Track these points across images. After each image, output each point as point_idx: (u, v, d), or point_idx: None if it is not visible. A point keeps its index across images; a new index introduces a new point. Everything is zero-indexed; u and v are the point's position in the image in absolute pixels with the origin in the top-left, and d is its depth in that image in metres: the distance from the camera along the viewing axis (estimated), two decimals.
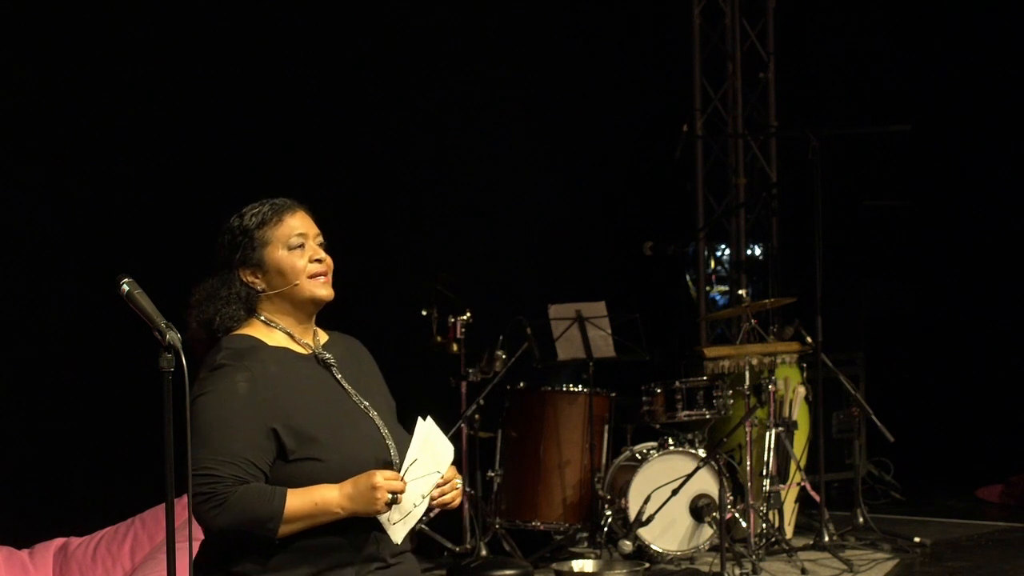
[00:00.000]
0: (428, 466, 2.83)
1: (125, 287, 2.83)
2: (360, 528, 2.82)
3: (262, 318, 3.00)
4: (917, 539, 6.72)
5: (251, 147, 6.61)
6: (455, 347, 6.60)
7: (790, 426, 6.91)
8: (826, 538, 6.62)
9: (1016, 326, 9.08)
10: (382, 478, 2.74)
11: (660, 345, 7.88)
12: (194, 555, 2.91)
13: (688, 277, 9.28)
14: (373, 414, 2.98)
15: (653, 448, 6.69)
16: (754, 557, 6.33)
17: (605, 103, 8.64)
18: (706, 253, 9.34)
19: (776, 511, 6.80)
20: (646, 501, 6.38)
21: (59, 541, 5.25)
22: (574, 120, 8.43)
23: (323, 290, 3.01)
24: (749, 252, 9.34)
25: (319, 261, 3.01)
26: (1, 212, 5.81)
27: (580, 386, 6.86)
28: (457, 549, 6.59)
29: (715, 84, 9.16)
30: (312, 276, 2.99)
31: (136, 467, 4.75)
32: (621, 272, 8.40)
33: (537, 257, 8.09)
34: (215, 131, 6.45)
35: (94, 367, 5.88)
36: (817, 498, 6.75)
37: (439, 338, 6.64)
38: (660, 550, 6.49)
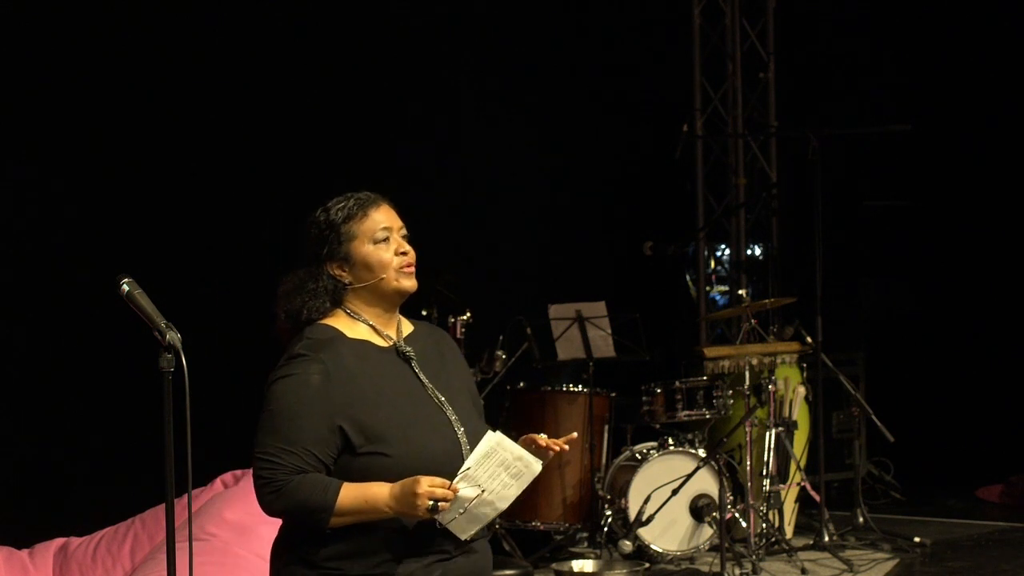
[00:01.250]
0: (495, 476, 2.84)
1: (125, 287, 2.84)
2: (431, 520, 2.85)
3: (347, 310, 3.04)
4: (917, 539, 6.73)
5: (251, 148, 6.62)
6: None
7: (790, 426, 6.91)
8: (826, 538, 6.62)
9: (1016, 326, 9.08)
10: (426, 485, 2.77)
11: (660, 345, 7.88)
12: (273, 541, 2.99)
13: (688, 277, 9.28)
14: (448, 409, 3.00)
15: (653, 448, 6.70)
16: (754, 557, 6.34)
17: (605, 103, 8.64)
18: (706, 253, 9.34)
19: (776, 511, 6.80)
20: (646, 501, 6.38)
21: (59, 541, 5.25)
22: (574, 120, 8.43)
23: (408, 282, 3.05)
24: (749, 252, 9.35)
25: (404, 254, 3.05)
26: (1, 211, 5.81)
27: (580, 386, 6.86)
28: None
29: (715, 84, 9.16)
30: (397, 269, 3.03)
31: (136, 467, 4.75)
32: (621, 272, 8.40)
33: (537, 257, 8.09)
34: (215, 132, 6.45)
35: (94, 367, 5.88)
36: (817, 498, 6.75)
37: None
38: (660, 550, 6.49)
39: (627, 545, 6.47)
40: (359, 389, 2.91)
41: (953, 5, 9.24)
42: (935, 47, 9.38)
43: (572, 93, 8.40)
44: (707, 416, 6.84)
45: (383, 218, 3.06)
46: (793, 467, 6.89)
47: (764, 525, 6.67)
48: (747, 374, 6.89)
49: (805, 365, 7.15)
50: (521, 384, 6.93)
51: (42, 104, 5.92)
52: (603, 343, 6.92)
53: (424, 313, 6.66)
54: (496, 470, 2.83)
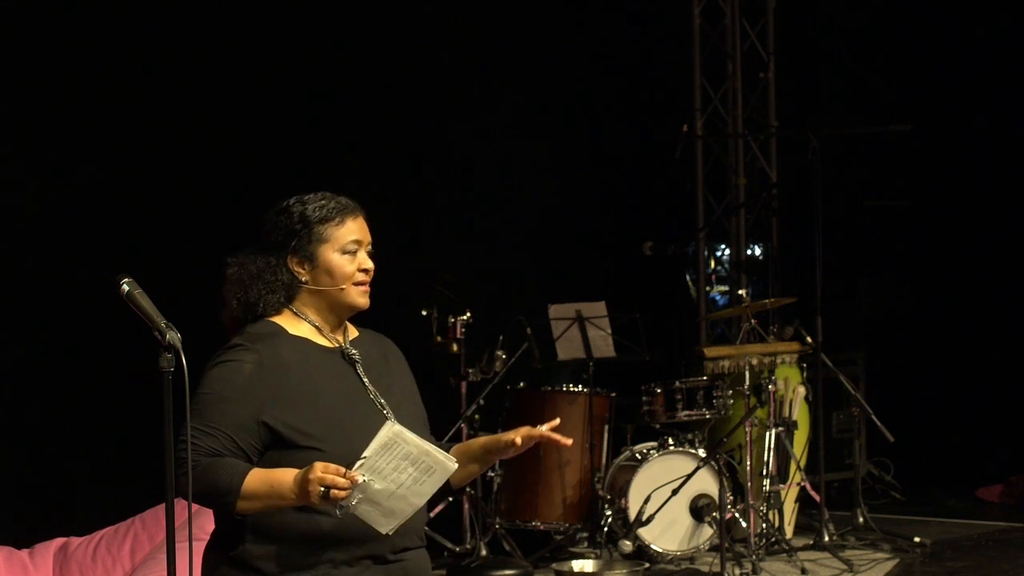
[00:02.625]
0: (401, 469, 2.78)
1: (125, 287, 2.83)
2: (350, 524, 2.82)
3: (294, 309, 3.02)
4: (917, 539, 6.73)
5: (251, 147, 6.61)
6: (455, 347, 6.61)
7: (790, 426, 6.91)
8: (826, 538, 6.62)
9: (1016, 326, 9.07)
10: (319, 471, 2.71)
11: (660, 345, 7.88)
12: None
13: (688, 277, 9.27)
14: (389, 413, 2.96)
15: (653, 448, 6.69)
16: (754, 557, 6.34)
17: (605, 103, 8.64)
18: (706, 253, 9.34)
19: (776, 511, 6.80)
20: (646, 501, 6.38)
21: (59, 541, 5.25)
22: (574, 120, 8.43)
23: (363, 299, 3.04)
24: (749, 252, 9.34)
25: (365, 271, 3.04)
26: (1, 211, 5.81)
27: (580, 386, 6.86)
28: (457, 549, 6.59)
29: (715, 84, 9.16)
30: (356, 284, 3.02)
31: (136, 467, 4.75)
32: (621, 272, 8.40)
33: (537, 257, 8.09)
34: (214, 131, 6.44)
35: (94, 367, 5.88)
36: (817, 498, 6.75)
37: (439, 338, 6.65)
38: (660, 550, 6.49)
39: (627, 545, 6.47)
40: (293, 384, 2.89)
41: (953, 5, 9.24)
42: (935, 47, 9.38)
43: (572, 93, 8.40)
44: (707, 416, 6.84)
45: (357, 229, 3.04)
46: (793, 467, 6.89)
47: (764, 525, 6.67)
48: (747, 374, 6.89)
49: (805, 365, 7.15)
50: (521, 384, 6.92)
51: (41, 103, 5.92)
52: (603, 343, 6.91)
53: (424, 313, 6.66)
54: (400, 463, 2.77)
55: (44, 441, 5.88)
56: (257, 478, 2.79)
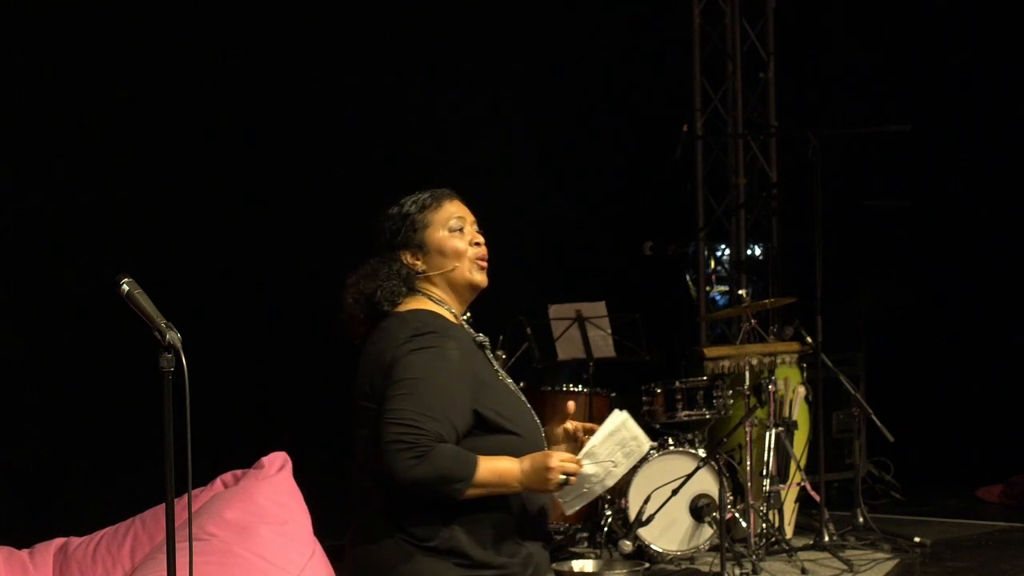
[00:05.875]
0: (612, 454, 2.86)
1: (125, 287, 2.83)
2: (534, 504, 2.91)
3: (430, 296, 3.06)
4: (917, 539, 6.72)
5: (250, 149, 6.62)
6: None
7: (790, 426, 6.91)
8: (826, 538, 6.62)
9: (1016, 326, 9.07)
10: (557, 459, 2.82)
11: (660, 345, 7.88)
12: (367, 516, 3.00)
13: (688, 277, 9.28)
14: (524, 397, 3.10)
15: (653, 448, 6.69)
16: (754, 557, 6.33)
17: (605, 103, 8.64)
18: (706, 253, 9.34)
19: (776, 511, 6.80)
20: (646, 501, 6.38)
21: (59, 541, 5.24)
22: (574, 120, 8.43)
23: (480, 275, 3.12)
24: (749, 252, 9.34)
25: (478, 245, 3.11)
26: (1, 211, 5.81)
27: (580, 386, 6.86)
28: None
29: (715, 84, 9.17)
30: (472, 260, 3.08)
31: (136, 467, 4.75)
32: (621, 272, 8.40)
33: (537, 257, 8.09)
34: (215, 132, 6.45)
35: (94, 367, 5.89)
36: (817, 498, 6.75)
37: None
38: (660, 550, 6.49)
39: (627, 545, 6.47)
40: (481, 370, 2.97)
41: (953, 5, 9.24)
42: (935, 47, 9.38)
43: (572, 93, 8.40)
44: (707, 416, 6.84)
45: (457, 208, 3.13)
46: (793, 467, 6.89)
47: (764, 525, 6.67)
48: (747, 374, 6.89)
49: (805, 365, 7.15)
50: (521, 384, 6.89)
51: (42, 103, 5.93)
52: (603, 343, 6.91)
53: None
54: (613, 448, 2.89)
55: (44, 441, 5.88)
56: (487, 468, 2.85)
